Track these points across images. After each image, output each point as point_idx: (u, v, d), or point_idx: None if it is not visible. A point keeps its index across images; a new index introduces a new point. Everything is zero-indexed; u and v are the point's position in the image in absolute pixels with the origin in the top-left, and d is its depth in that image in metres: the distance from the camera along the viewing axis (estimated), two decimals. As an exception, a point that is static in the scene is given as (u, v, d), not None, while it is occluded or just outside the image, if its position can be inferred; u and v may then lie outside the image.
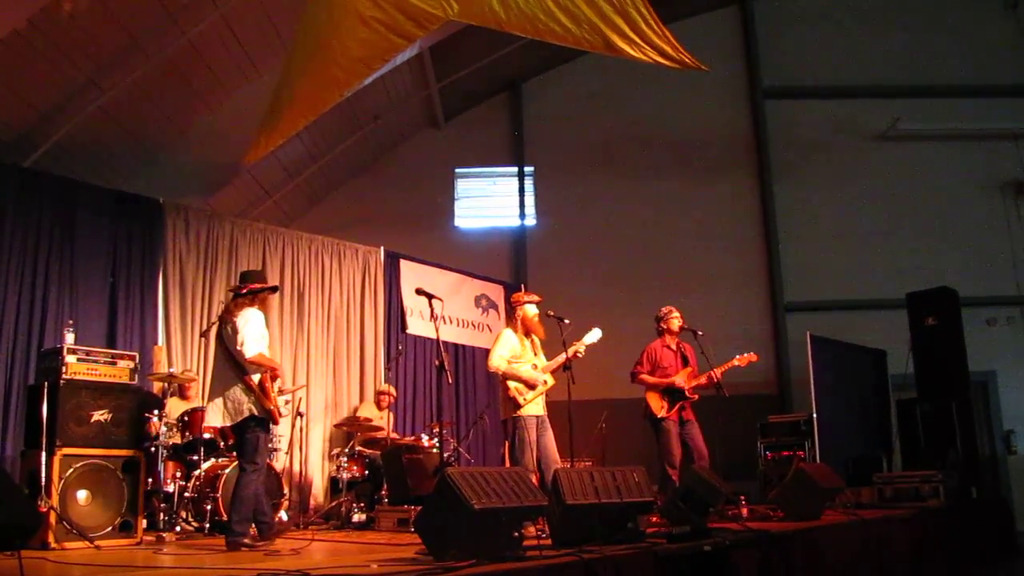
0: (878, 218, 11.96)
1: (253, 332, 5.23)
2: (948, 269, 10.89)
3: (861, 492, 8.29)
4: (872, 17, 12.58)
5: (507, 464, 6.56)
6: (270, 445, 7.21)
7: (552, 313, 6.50)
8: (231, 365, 5.27)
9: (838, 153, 12.30)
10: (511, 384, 6.23)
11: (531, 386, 6.25)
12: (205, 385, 7.88)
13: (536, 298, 6.58)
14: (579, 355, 6.37)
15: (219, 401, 5.28)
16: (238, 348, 5.19)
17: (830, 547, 5.55)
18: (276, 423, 5.42)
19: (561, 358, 6.34)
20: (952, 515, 7.62)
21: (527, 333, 6.46)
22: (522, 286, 10.63)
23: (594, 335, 6.54)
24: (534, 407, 6.27)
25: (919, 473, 8.29)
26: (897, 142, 12.27)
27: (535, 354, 6.47)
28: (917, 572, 6.38)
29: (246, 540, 5.06)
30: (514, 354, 6.32)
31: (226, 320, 5.36)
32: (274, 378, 5.37)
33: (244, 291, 5.39)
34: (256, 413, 5.21)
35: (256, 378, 5.26)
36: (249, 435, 5.23)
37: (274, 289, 5.66)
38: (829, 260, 11.80)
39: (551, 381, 6.41)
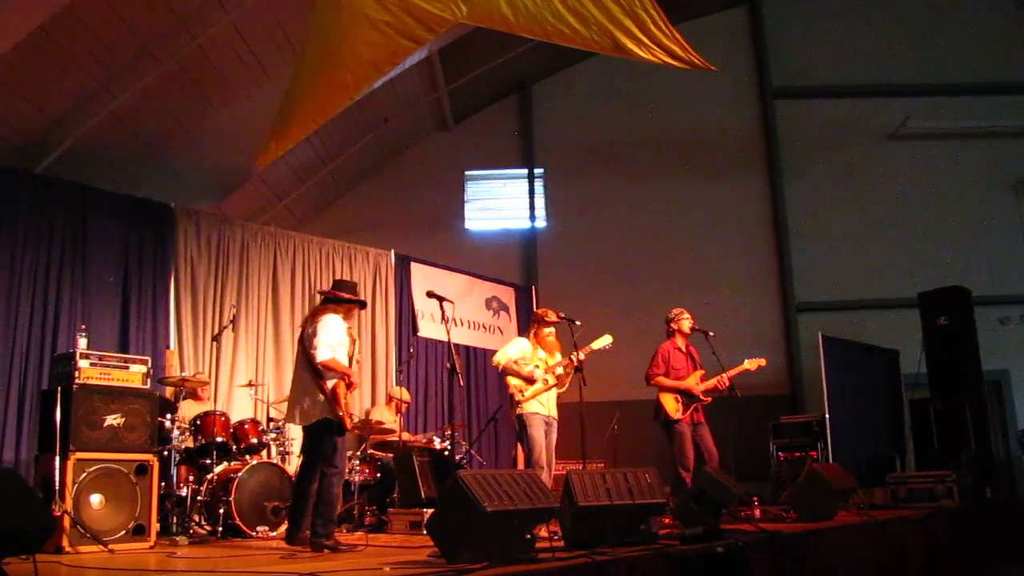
0: (889, 217, 11.89)
1: (329, 337, 5.30)
2: (960, 268, 10.82)
3: (874, 493, 8.25)
4: (881, 16, 12.51)
5: (519, 466, 6.58)
6: (282, 448, 7.25)
7: (563, 315, 6.53)
8: (308, 368, 5.35)
9: (848, 152, 12.24)
10: (510, 380, 6.40)
11: (529, 383, 6.34)
12: (217, 389, 7.94)
13: (554, 319, 6.61)
14: (580, 359, 6.38)
15: (295, 402, 5.39)
16: (311, 351, 5.28)
17: (843, 548, 5.53)
18: (348, 429, 5.46)
19: (565, 360, 6.40)
20: (967, 516, 7.57)
21: (542, 346, 6.56)
22: (533, 289, 10.65)
23: (603, 341, 6.57)
24: (538, 406, 6.33)
25: (933, 473, 8.23)
26: (907, 141, 12.22)
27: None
28: (931, 573, 6.35)
29: (328, 542, 5.06)
30: (522, 356, 6.45)
31: (308, 323, 5.46)
32: (349, 385, 5.40)
33: (332, 296, 5.54)
34: (328, 417, 5.27)
35: (330, 383, 5.30)
36: (324, 440, 5.28)
37: (362, 304, 5.76)
38: (840, 260, 11.75)
39: (552, 381, 6.42)
